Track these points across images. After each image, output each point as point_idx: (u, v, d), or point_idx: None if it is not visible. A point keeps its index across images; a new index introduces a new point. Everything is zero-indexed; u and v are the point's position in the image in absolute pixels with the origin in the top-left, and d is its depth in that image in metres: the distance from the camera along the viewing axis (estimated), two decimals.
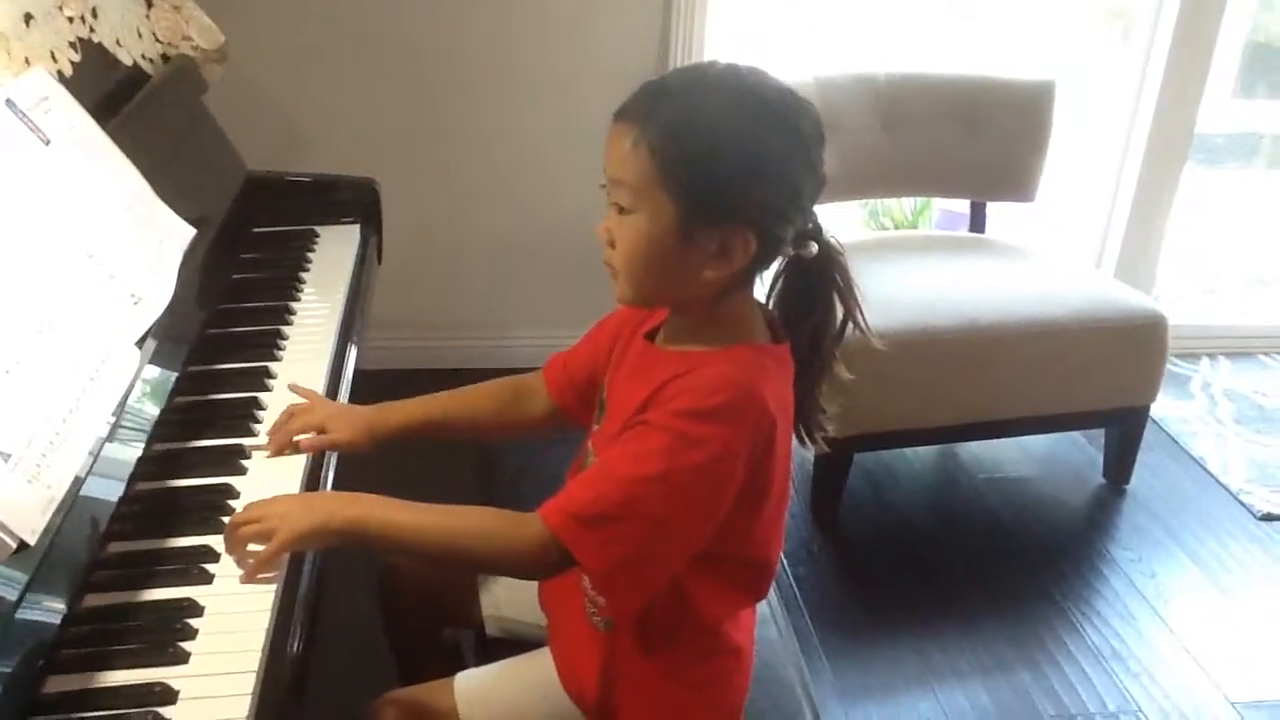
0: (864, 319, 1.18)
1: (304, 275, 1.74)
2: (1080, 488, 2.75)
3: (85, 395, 1.06)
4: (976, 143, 2.80)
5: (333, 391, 1.47)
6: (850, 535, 2.53)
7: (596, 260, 1.14)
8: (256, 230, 1.85)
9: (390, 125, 2.77)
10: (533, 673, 1.28)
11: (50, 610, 0.97)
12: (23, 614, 0.92)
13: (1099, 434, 2.78)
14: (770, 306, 1.19)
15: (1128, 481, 2.73)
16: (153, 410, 1.25)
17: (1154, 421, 2.81)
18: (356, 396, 1.51)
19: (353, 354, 1.58)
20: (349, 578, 1.47)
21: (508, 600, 1.42)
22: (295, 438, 1.31)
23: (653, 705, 1.23)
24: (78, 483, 1.02)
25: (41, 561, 0.94)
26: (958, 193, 3.04)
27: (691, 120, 1.06)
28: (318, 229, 1.89)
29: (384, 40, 2.70)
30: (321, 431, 1.32)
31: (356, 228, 1.92)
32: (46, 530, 0.94)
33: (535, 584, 1.35)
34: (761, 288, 1.18)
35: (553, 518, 1.07)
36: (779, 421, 1.11)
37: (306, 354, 1.53)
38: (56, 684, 0.96)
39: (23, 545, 0.89)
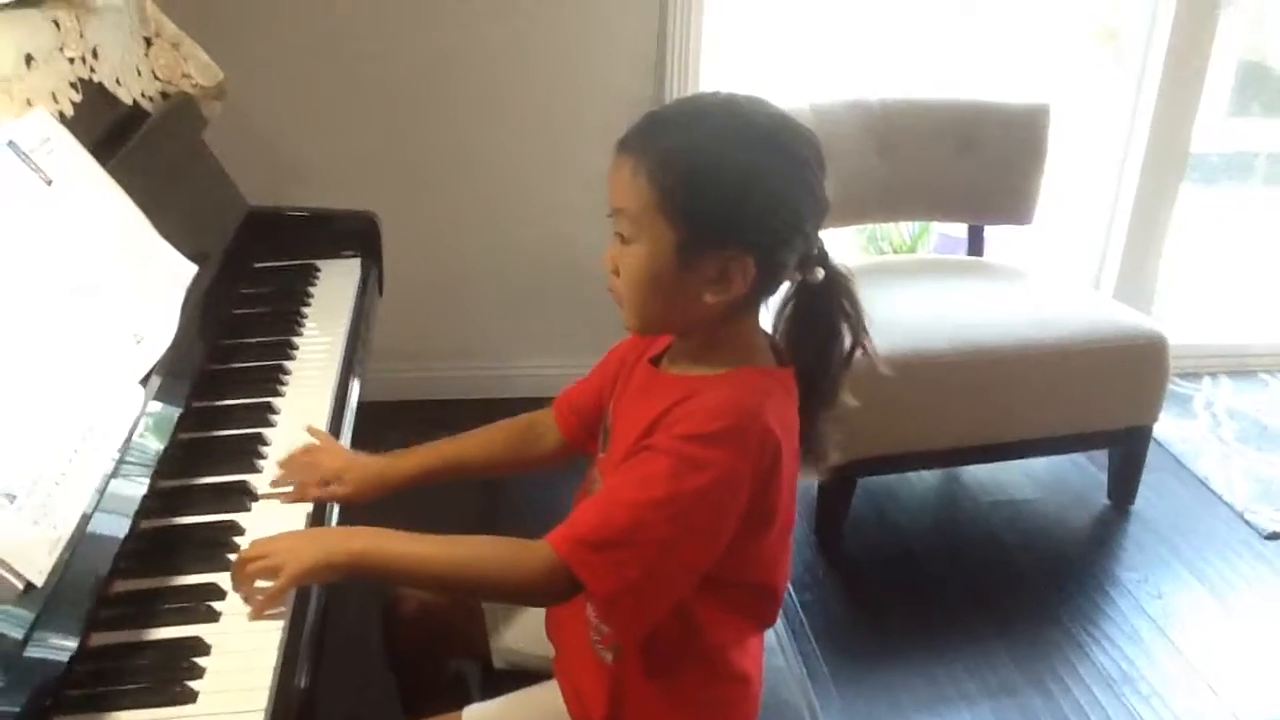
0: (871, 345, 1.18)
1: (305, 309, 1.74)
2: (1084, 509, 2.74)
3: (90, 434, 1.06)
4: (972, 167, 2.81)
5: (336, 424, 1.47)
6: (854, 560, 2.53)
7: (597, 289, 1.15)
8: (257, 265, 1.85)
9: (389, 157, 2.78)
10: (540, 704, 1.27)
11: (57, 649, 0.97)
12: (29, 653, 0.92)
13: (1102, 455, 2.77)
14: (779, 331, 1.19)
15: (1132, 502, 2.72)
16: (156, 447, 1.25)
17: (1157, 442, 2.81)
18: (359, 427, 1.51)
19: (355, 387, 1.58)
20: (353, 610, 1.46)
21: (513, 632, 1.41)
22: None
23: None
24: (83, 520, 1.02)
25: (47, 600, 0.94)
26: (955, 216, 3.05)
27: (689, 149, 1.07)
28: (318, 263, 1.89)
29: (381, 74, 2.71)
30: (331, 482, 1.32)
31: (357, 261, 1.93)
32: (53, 569, 0.94)
33: (541, 616, 1.35)
34: (769, 314, 1.19)
35: (560, 543, 1.07)
36: (784, 445, 1.11)
37: (310, 388, 1.53)
38: None
39: (29, 586, 0.88)
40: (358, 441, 1.47)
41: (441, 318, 2.96)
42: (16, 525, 0.90)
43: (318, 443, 1.37)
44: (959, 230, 3.08)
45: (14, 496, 0.91)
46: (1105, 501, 2.75)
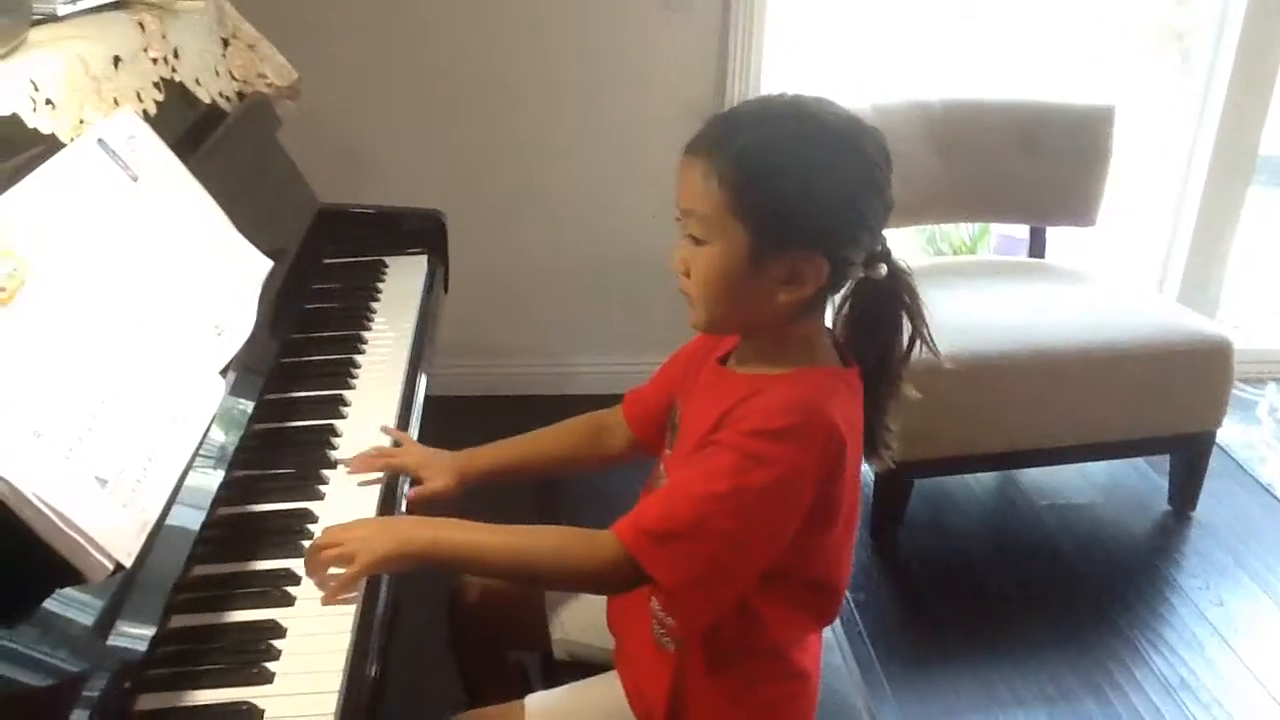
0: (931, 339, 1.19)
1: (374, 305, 1.78)
2: (1145, 515, 2.72)
3: (174, 423, 1.10)
4: (1035, 168, 2.79)
5: (405, 417, 1.50)
6: (910, 562, 2.52)
7: (658, 287, 1.17)
8: (327, 261, 1.89)
9: (454, 157, 2.83)
10: (601, 695, 1.30)
11: (140, 629, 1.01)
12: (114, 634, 0.96)
13: (1164, 460, 2.75)
14: (839, 326, 1.21)
15: (1194, 508, 2.69)
16: (233, 437, 1.29)
17: (1220, 447, 2.77)
18: (426, 422, 1.55)
19: (423, 382, 1.61)
20: (418, 597, 1.49)
21: (575, 624, 1.44)
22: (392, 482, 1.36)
23: None
24: (167, 506, 1.05)
25: (133, 582, 0.98)
26: (1016, 218, 3.03)
27: (759, 150, 1.08)
28: (386, 259, 1.93)
29: (447, 76, 2.75)
30: (416, 477, 1.37)
31: (424, 258, 1.96)
32: (139, 552, 0.98)
33: (601, 608, 1.37)
34: (830, 309, 1.20)
35: (626, 533, 1.10)
36: (848, 443, 1.12)
37: (378, 382, 1.56)
38: (147, 702, 0.99)
39: (119, 567, 0.92)
40: (424, 434, 1.50)
41: (504, 315, 3.00)
42: (107, 508, 0.94)
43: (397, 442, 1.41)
44: (1020, 231, 3.06)
45: (105, 481, 0.95)
46: (1166, 507, 2.72)
